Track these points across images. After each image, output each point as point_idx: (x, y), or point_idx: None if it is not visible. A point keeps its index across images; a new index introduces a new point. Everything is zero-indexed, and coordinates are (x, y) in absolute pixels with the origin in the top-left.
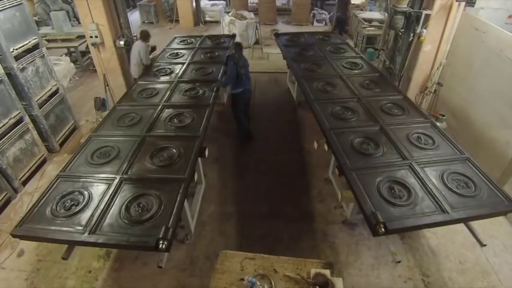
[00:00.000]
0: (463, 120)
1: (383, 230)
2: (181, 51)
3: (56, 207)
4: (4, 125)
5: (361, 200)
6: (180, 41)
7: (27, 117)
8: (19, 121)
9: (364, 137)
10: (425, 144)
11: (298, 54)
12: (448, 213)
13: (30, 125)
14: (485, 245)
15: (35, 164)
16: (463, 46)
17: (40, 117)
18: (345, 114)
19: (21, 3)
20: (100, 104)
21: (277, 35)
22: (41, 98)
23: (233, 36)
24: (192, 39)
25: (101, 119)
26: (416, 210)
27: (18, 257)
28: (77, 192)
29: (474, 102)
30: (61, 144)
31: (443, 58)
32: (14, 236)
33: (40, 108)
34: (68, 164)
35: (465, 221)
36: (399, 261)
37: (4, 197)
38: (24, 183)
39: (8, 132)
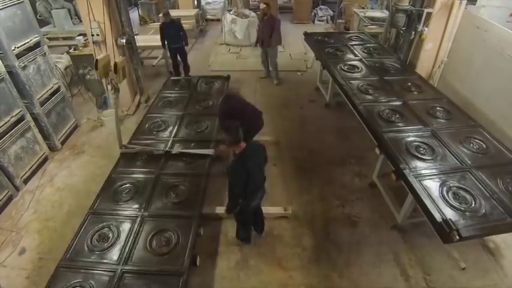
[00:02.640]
0: None
1: (457, 237)
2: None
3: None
4: (6, 123)
5: (429, 206)
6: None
7: (28, 115)
8: (20, 119)
9: (418, 140)
10: (478, 151)
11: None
12: None
13: (32, 123)
14: (464, 269)
15: (36, 162)
16: (465, 44)
17: (41, 116)
18: (392, 116)
19: (22, 2)
20: (101, 103)
21: (307, 34)
22: (42, 96)
23: (227, 78)
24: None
25: (102, 118)
26: (485, 216)
27: (20, 255)
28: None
29: (475, 100)
30: (62, 143)
31: (444, 56)
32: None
33: (41, 107)
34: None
35: None
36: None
37: (6, 195)
38: (26, 181)
39: (10, 131)
